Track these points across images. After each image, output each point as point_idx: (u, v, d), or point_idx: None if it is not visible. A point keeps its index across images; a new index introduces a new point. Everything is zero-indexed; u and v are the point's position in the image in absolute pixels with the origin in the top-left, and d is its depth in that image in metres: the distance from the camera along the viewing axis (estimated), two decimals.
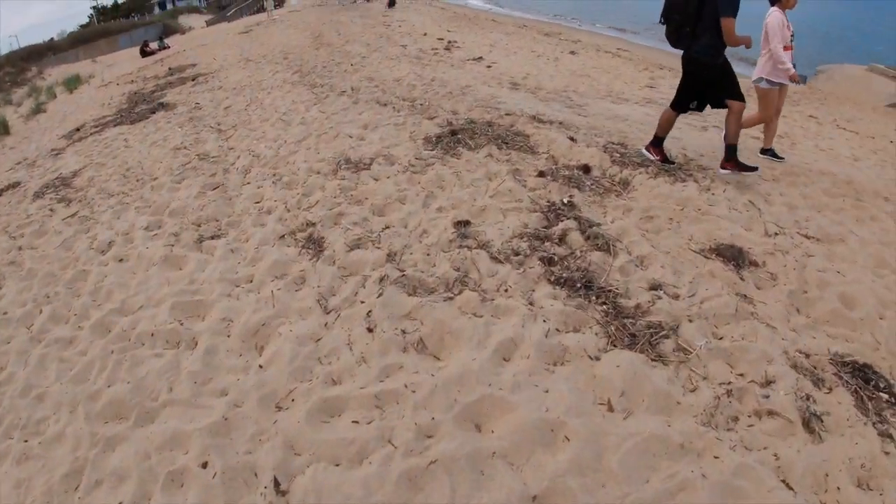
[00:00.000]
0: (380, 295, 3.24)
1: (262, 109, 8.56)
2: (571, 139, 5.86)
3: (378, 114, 7.39)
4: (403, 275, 3.40)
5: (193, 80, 13.42)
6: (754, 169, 5.09)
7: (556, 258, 3.58)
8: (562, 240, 3.84)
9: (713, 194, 4.84)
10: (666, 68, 14.47)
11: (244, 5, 54.44)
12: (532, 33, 20.73)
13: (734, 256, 3.82)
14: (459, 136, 5.97)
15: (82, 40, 39.51)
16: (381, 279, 3.39)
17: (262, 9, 44.84)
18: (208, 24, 47.96)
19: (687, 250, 3.91)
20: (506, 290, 3.27)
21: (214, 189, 5.62)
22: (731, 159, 5.12)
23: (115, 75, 19.82)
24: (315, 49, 15.48)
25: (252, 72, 12.67)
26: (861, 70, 14.04)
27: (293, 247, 4.12)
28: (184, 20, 54.99)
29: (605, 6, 43.64)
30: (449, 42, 16.49)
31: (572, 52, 15.34)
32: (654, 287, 3.38)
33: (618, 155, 5.48)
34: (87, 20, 63.29)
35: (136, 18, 61.40)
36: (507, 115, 6.86)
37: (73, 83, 20.00)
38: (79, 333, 3.73)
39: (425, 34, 18.82)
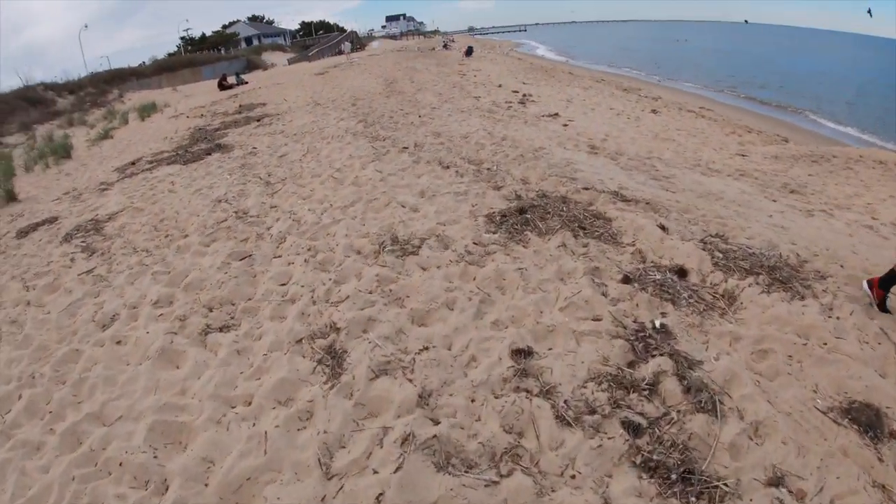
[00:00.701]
0: (399, 468, 2.39)
1: (317, 162, 8.07)
2: (662, 227, 4.92)
3: (439, 178, 6.70)
4: (435, 436, 2.54)
5: (259, 120, 13.34)
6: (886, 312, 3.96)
7: (644, 424, 2.63)
8: (652, 390, 2.89)
9: (839, 319, 3.77)
10: (754, 131, 13.29)
11: (325, 47, 56.63)
12: (610, 88, 19.93)
13: (870, 423, 2.80)
14: (528, 215, 5.15)
15: (167, 68, 41.63)
16: (405, 439, 2.54)
17: (342, 51, 46.40)
18: (290, 62, 49.99)
19: (812, 409, 2.90)
20: (572, 477, 2.36)
21: (242, 259, 5.01)
22: (887, 286, 4.01)
23: (189, 107, 20.35)
24: (386, 97, 15.24)
25: (317, 117, 12.42)
26: None
27: (308, 358, 3.37)
28: (267, 57, 57.64)
29: (680, 62, 42.58)
30: (524, 95, 15.91)
31: (654, 111, 14.40)
32: (775, 482, 2.40)
33: (720, 254, 4.47)
34: (175, 49, 67.34)
35: (221, 52, 64.75)
36: (584, 189, 6.00)
37: (147, 110, 20.64)
38: (48, 439, 3.09)
39: (500, 86, 18.38)
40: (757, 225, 5.50)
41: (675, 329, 3.48)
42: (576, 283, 3.95)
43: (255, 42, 72.32)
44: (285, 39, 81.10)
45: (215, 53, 61.05)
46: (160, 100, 24.74)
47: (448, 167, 7.13)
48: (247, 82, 28.01)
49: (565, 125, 11.21)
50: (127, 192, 8.25)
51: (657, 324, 3.50)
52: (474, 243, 4.65)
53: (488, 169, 7.02)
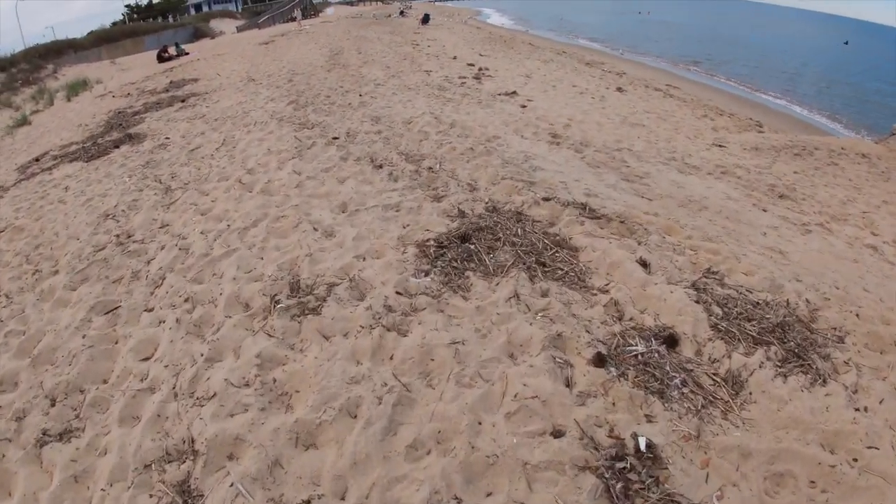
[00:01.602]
0: None
1: (230, 158, 6.70)
2: (642, 264, 3.83)
3: (367, 182, 5.46)
4: None
5: (184, 101, 11.71)
6: None
7: None
8: None
9: (867, 411, 2.82)
10: (725, 114, 12.39)
11: (277, 13, 53.21)
12: (572, 61, 18.75)
13: None
14: (473, 244, 3.98)
15: (107, 39, 38.11)
16: None
17: (294, 18, 43.64)
18: (239, 30, 46.86)
19: None
20: None
21: (106, 314, 3.76)
22: None
23: (121, 84, 18.28)
24: (327, 71, 13.72)
25: (247, 97, 10.88)
26: None
27: (154, 498, 2.22)
28: (216, 24, 53.98)
29: (643, 35, 41.58)
30: (480, 69, 14.60)
31: (619, 89, 13.30)
32: None
33: (718, 309, 3.42)
34: (121, 17, 62.74)
35: (169, 19, 60.57)
36: (545, 199, 4.86)
37: (75, 89, 18.54)
38: None
39: (455, 58, 17.01)
40: (752, 251, 4.48)
41: (665, 448, 2.42)
42: (530, 365, 2.83)
43: (206, 9, 67.80)
44: (237, 5, 76.44)
45: (161, 22, 56.87)
46: (95, 75, 22.39)
47: (381, 166, 5.88)
48: (188, 53, 25.68)
49: (524, 106, 10.01)
50: (17, 201, 6.84)
51: (641, 444, 2.42)
52: (398, 293, 3.46)
53: (429, 168, 5.80)
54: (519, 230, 4.23)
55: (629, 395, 2.69)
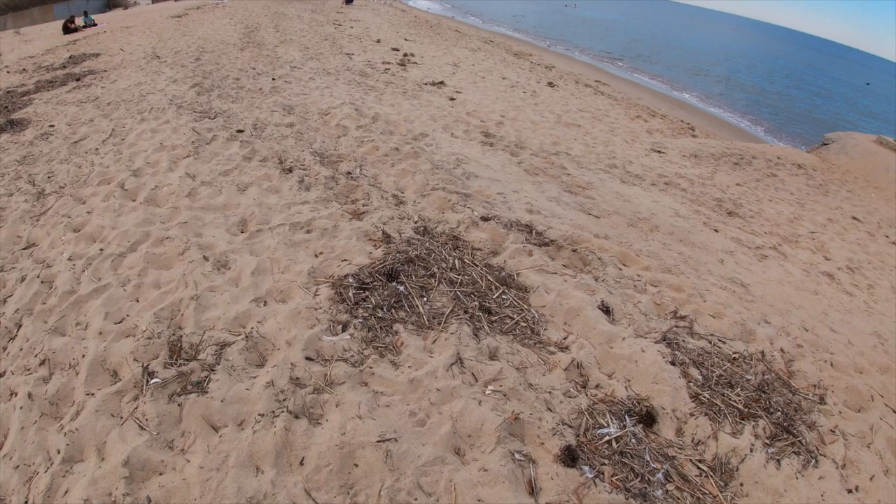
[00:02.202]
0: None
1: (116, 154, 5.53)
2: (604, 310, 3.24)
3: (273, 191, 4.56)
4: None
5: (79, 79, 10.07)
6: None
7: None
8: None
9: (858, 491, 2.49)
10: (658, 115, 12.24)
11: None
12: (500, 51, 18.21)
13: None
14: (402, 284, 3.23)
15: (13, 7, 33.86)
16: None
17: None
18: (154, 0, 43.36)
19: None
20: None
21: None
22: None
23: (18, 57, 15.88)
24: (240, 49, 12.37)
25: (148, 76, 9.46)
26: (871, 142, 12.29)
27: None
28: None
29: (569, 29, 41.92)
30: (405, 55, 13.74)
31: (550, 84, 12.85)
32: None
33: (696, 374, 2.88)
34: None
35: None
36: (484, 219, 4.19)
37: None
38: None
39: (378, 41, 16.03)
40: (714, 284, 4.02)
41: None
42: (484, 468, 2.14)
43: None
44: None
45: None
46: None
47: (291, 170, 4.98)
48: (96, 24, 22.95)
49: (452, 98, 9.30)
50: None
51: None
52: (308, 358, 2.66)
53: (348, 174, 4.98)
54: (457, 262, 3.53)
55: (608, 502, 2.06)
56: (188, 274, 3.32)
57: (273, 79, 9.34)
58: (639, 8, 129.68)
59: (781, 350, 3.31)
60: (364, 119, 6.87)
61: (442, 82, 10.57)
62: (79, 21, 23.11)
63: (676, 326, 3.23)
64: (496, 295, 3.25)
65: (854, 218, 7.64)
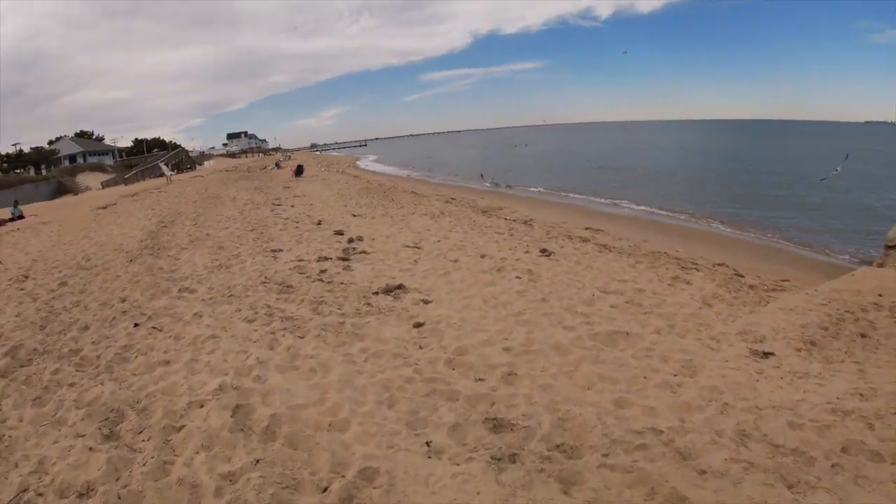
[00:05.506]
0: None
1: None
2: None
3: None
4: None
5: None
6: None
7: None
8: None
9: None
10: (693, 266, 9.05)
11: (147, 167, 48.81)
12: (467, 211, 15.58)
13: None
14: None
15: None
16: None
17: (163, 173, 39.73)
18: (104, 185, 42.28)
19: None
20: None
21: None
22: None
23: None
24: (131, 259, 9.70)
25: None
26: None
27: None
28: (83, 178, 49.05)
29: (524, 167, 41.22)
30: (351, 240, 10.76)
31: (544, 252, 9.69)
32: None
33: None
34: None
35: (42, 171, 55.01)
36: None
37: None
38: None
39: (319, 223, 13.20)
40: None
41: None
42: None
43: (81, 160, 62.65)
44: (113, 157, 71.76)
45: (20, 175, 51.03)
46: None
47: None
48: (23, 217, 20.20)
49: (419, 324, 5.92)
50: None
51: None
52: None
53: None
54: None
55: None
56: None
57: (136, 324, 6.06)
58: (572, 134, 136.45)
59: None
60: (248, 431, 3.38)
61: (401, 286, 7.31)
62: (3, 213, 20.34)
63: None
64: None
65: None
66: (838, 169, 21.15)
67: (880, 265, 8.44)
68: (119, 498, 3.04)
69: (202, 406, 4.01)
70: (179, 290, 7.52)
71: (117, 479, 3.23)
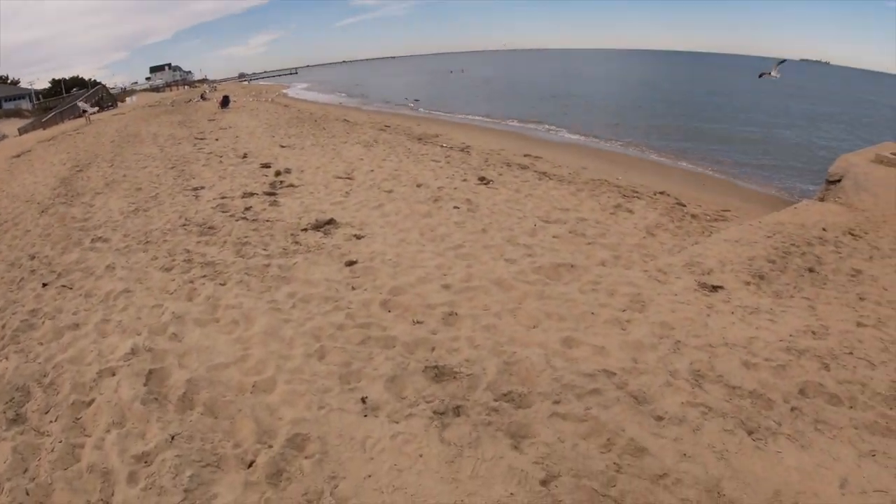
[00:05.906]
0: None
1: None
2: None
3: None
4: None
5: None
6: None
7: None
8: None
9: None
10: (635, 195, 8.93)
11: (65, 108, 44.52)
12: (402, 139, 14.86)
13: None
14: None
15: None
16: None
17: (85, 111, 36.14)
18: (21, 131, 38.20)
19: None
20: None
21: None
22: None
23: None
24: (42, 211, 8.86)
25: None
26: (871, 163, 9.24)
27: None
28: None
29: (462, 93, 39.99)
30: (278, 173, 10.05)
31: (483, 180, 9.30)
32: None
33: None
34: None
35: None
36: None
37: None
38: None
39: (245, 156, 12.24)
40: None
41: None
42: None
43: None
44: (31, 101, 64.77)
45: None
46: None
47: None
48: None
49: (352, 262, 5.47)
50: None
51: None
52: None
53: None
54: None
55: None
56: None
57: (44, 284, 5.37)
58: (519, 61, 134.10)
59: None
60: (160, 410, 2.91)
61: (331, 220, 6.79)
62: None
63: None
64: None
65: None
66: (776, 74, 21.09)
67: (821, 199, 8.49)
68: (27, 494, 2.58)
69: (113, 374, 3.55)
70: (92, 240, 6.81)
71: (25, 472, 2.82)
